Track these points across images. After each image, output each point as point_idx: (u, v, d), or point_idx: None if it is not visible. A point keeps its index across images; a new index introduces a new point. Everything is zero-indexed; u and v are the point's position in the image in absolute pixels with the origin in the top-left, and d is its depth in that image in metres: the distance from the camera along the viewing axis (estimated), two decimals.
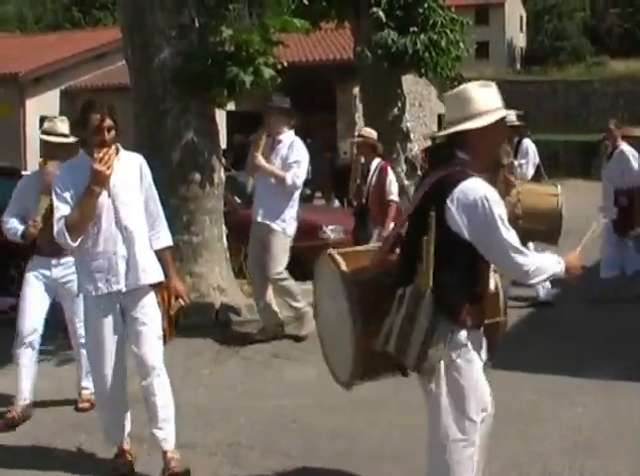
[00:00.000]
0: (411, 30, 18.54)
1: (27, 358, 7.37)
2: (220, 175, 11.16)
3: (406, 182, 19.33)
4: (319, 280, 5.40)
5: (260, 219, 9.81)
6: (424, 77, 21.25)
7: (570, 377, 8.23)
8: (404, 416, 7.29)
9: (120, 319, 6.04)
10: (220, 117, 12.60)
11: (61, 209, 5.79)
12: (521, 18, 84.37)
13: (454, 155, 4.45)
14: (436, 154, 4.78)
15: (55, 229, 5.76)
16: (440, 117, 36.19)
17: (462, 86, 4.62)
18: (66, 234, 5.73)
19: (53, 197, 5.89)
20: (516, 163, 11.31)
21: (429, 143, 24.85)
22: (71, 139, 7.56)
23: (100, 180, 5.76)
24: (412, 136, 20.61)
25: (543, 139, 44.71)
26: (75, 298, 7.05)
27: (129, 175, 6.09)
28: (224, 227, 11.30)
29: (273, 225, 9.74)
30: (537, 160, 11.99)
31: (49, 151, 7.61)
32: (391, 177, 11.31)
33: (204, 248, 10.78)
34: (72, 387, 7.88)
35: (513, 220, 9.99)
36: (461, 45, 19.46)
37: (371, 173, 11.30)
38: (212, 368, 9.06)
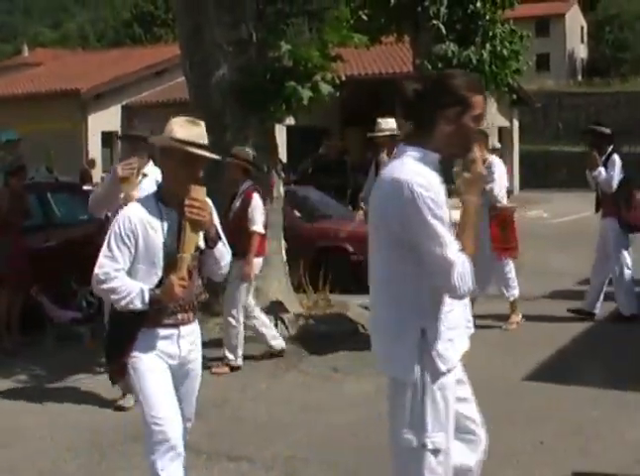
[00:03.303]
0: (475, 41, 18.53)
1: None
2: (280, 189, 11.20)
3: None
4: None
5: None
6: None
7: (633, 392, 8.13)
8: None
9: None
10: (280, 131, 12.66)
11: (450, 240, 3.87)
12: (582, 29, 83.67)
13: None
14: None
15: (458, 271, 3.82)
16: (500, 130, 35.98)
17: None
18: (472, 277, 3.93)
19: (434, 224, 3.81)
20: None
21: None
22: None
23: (478, 190, 4.15)
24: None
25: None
26: (195, 384, 5.32)
27: None
28: (283, 241, 11.33)
29: None
30: None
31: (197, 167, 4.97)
32: (256, 203, 9.62)
33: (264, 262, 10.84)
34: None
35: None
36: (520, 57, 19.39)
37: (236, 197, 9.72)
38: (270, 382, 9.08)
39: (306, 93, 10.22)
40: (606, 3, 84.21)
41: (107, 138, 31.19)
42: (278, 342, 9.98)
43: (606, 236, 11.52)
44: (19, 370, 9.67)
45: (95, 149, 30.67)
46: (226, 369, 9.47)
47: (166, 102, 30.63)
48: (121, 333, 5.02)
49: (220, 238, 5.05)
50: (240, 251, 9.10)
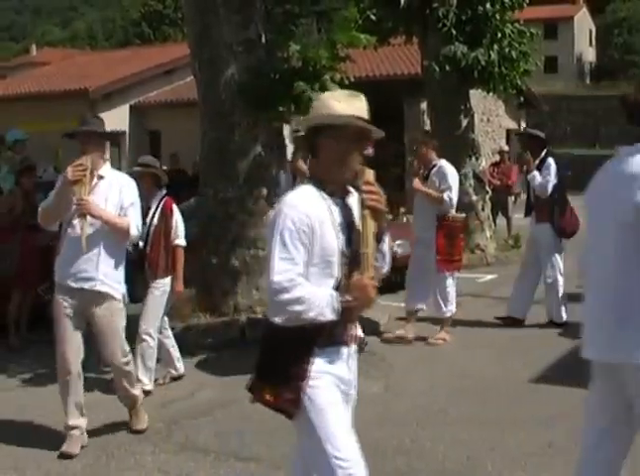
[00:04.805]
0: (483, 42, 18.48)
1: None
2: (287, 189, 11.17)
3: (474, 198, 19.20)
4: None
5: (97, 287, 7.06)
6: (492, 93, 21.09)
7: None
8: (467, 432, 7.24)
9: None
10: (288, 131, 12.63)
11: None
12: (590, 32, 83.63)
13: None
14: None
15: None
16: (508, 132, 35.94)
17: None
18: None
19: None
20: None
21: (497, 158, 24.75)
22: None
23: None
24: (480, 151, 20.49)
25: (611, 154, 44.59)
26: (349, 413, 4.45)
27: None
28: None
29: (114, 292, 7.18)
30: None
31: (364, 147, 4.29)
32: (178, 215, 9.08)
33: None
34: None
35: None
36: (530, 58, 19.33)
37: (152, 210, 8.92)
38: None
39: (315, 94, 10.18)
40: (615, 6, 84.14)
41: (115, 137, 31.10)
42: (181, 365, 9.35)
43: (540, 241, 11.30)
44: (25, 368, 9.67)
45: None
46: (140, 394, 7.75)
47: (175, 102, 30.60)
48: (292, 354, 4.12)
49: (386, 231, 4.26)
50: (163, 266, 8.90)
